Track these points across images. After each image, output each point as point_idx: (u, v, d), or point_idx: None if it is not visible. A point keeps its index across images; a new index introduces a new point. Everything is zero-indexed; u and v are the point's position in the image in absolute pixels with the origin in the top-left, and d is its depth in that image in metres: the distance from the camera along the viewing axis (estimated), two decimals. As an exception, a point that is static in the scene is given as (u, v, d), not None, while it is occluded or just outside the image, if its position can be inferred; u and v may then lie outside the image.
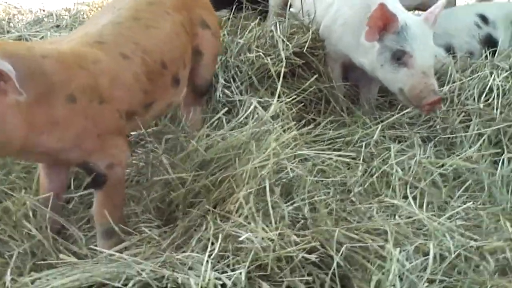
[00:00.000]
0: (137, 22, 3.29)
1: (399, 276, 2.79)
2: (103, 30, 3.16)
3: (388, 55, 3.77)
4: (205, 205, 3.17)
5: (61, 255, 2.92)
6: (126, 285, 2.65)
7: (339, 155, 3.51)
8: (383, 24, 3.76)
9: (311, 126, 3.88)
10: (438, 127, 4.10)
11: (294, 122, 3.72)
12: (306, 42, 4.31)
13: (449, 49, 4.66)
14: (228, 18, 4.78)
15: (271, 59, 4.17)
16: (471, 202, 3.39)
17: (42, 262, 2.94)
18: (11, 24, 5.32)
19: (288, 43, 4.25)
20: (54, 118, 2.81)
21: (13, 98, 2.66)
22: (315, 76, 4.20)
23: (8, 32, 5.09)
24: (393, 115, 4.06)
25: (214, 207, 3.15)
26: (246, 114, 3.73)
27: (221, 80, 4.20)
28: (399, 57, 3.76)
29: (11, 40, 4.82)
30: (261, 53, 4.20)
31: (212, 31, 3.69)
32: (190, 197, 3.27)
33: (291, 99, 3.89)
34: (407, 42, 3.74)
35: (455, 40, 4.68)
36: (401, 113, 4.06)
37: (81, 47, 3.02)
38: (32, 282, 2.73)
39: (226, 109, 3.82)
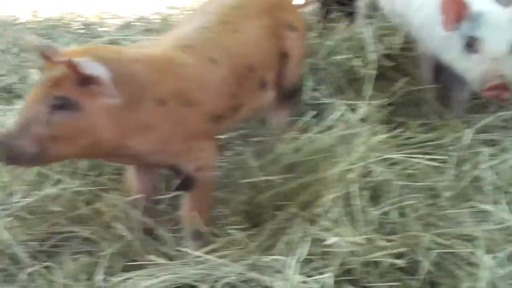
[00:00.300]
0: (225, 26, 3.31)
1: (491, 284, 2.75)
2: (192, 34, 3.20)
3: (462, 43, 3.71)
4: (292, 208, 3.16)
5: (150, 256, 2.96)
6: (213, 287, 2.67)
7: (429, 159, 3.46)
8: (455, 11, 3.70)
9: (401, 129, 3.83)
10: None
11: (383, 125, 3.67)
12: (396, 43, 4.26)
13: None
14: (317, 21, 4.76)
15: (360, 61, 4.14)
16: None
17: (132, 263, 2.99)
18: (103, 29, 5.41)
19: (378, 45, 4.21)
20: (144, 121, 2.85)
21: (105, 101, 2.72)
22: (405, 79, 4.14)
23: (99, 36, 5.18)
24: (485, 118, 3.97)
25: (302, 210, 3.15)
26: (334, 117, 3.69)
27: (310, 83, 4.18)
28: (470, 44, 3.67)
29: (103, 44, 4.92)
30: (350, 56, 4.17)
31: (298, 33, 3.67)
32: (277, 199, 3.26)
33: (380, 101, 3.85)
34: (479, 28, 3.65)
35: None
36: (494, 116, 3.97)
37: (171, 51, 3.06)
38: (122, 282, 2.77)
39: (314, 112, 3.80)
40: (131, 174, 3.26)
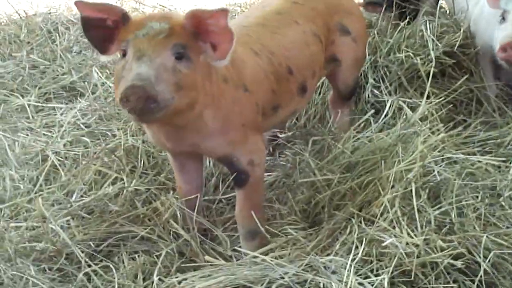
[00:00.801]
0: (263, 27, 3.36)
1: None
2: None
3: (500, 17, 3.86)
4: (350, 208, 3.16)
5: (206, 257, 2.98)
6: (268, 288, 2.67)
7: (489, 158, 3.42)
8: None
9: (461, 127, 3.80)
10: None
11: (443, 124, 3.63)
12: (457, 40, 4.21)
13: None
14: (378, 18, 4.73)
15: (420, 59, 4.09)
16: None
17: (188, 264, 3.01)
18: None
19: (438, 42, 4.16)
20: (214, 93, 2.91)
21: (203, 60, 2.83)
22: (465, 76, 4.09)
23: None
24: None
25: (360, 210, 3.14)
26: (393, 115, 3.67)
27: (371, 80, 4.15)
28: (504, 17, 3.83)
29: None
30: (410, 53, 4.13)
31: (352, 35, 3.67)
32: (336, 199, 3.26)
33: (440, 99, 3.81)
34: (510, 3, 3.82)
35: None
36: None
37: None
38: (179, 282, 2.79)
39: (373, 110, 3.78)
40: (177, 176, 3.29)
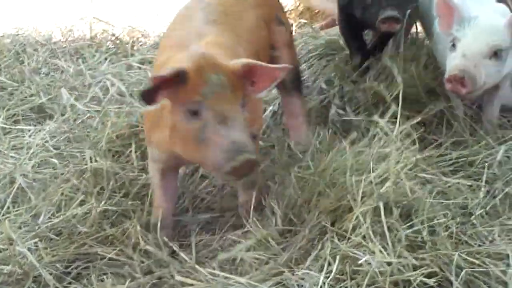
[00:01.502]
0: (231, 16, 3.44)
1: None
2: (206, 28, 3.26)
3: (450, 43, 3.77)
4: (323, 222, 3.16)
5: (177, 277, 2.96)
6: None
7: (461, 177, 3.43)
8: (447, 14, 3.77)
9: (433, 147, 3.80)
10: None
11: (416, 143, 3.62)
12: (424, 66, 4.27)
13: None
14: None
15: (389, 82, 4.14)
16: None
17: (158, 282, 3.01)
18: (135, 47, 5.43)
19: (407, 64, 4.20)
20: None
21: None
22: (436, 98, 4.10)
23: (132, 55, 5.20)
24: (517, 135, 3.93)
25: (332, 225, 3.14)
26: (367, 135, 3.65)
27: (337, 102, 4.18)
28: (454, 44, 3.73)
29: (135, 63, 4.94)
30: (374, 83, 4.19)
31: (285, 27, 3.89)
32: (309, 213, 3.26)
33: (413, 121, 3.79)
34: (462, 30, 3.70)
35: None
36: (526, 132, 3.93)
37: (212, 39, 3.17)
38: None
39: (355, 133, 3.75)
40: (160, 195, 3.28)
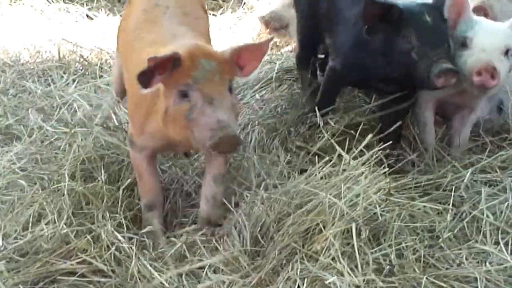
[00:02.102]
0: (188, 16, 3.67)
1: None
2: (178, 28, 3.49)
3: (458, 44, 3.84)
4: (293, 243, 3.16)
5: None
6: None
7: (428, 200, 3.45)
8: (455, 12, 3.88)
9: (401, 170, 3.81)
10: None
11: (384, 167, 3.63)
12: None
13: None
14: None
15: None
16: None
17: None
18: (103, 69, 5.42)
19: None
20: None
21: None
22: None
23: (100, 77, 5.19)
24: (484, 159, 3.95)
25: (302, 246, 3.14)
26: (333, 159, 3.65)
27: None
28: (465, 43, 3.82)
29: (103, 85, 4.94)
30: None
31: (207, 15, 4.10)
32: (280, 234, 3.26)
33: (380, 146, 3.79)
34: (472, 30, 3.83)
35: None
36: (493, 157, 3.95)
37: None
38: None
39: (327, 157, 3.74)
40: (149, 178, 3.53)
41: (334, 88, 4.24)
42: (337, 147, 3.60)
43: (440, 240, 3.28)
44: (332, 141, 3.77)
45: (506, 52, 3.77)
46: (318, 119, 4.01)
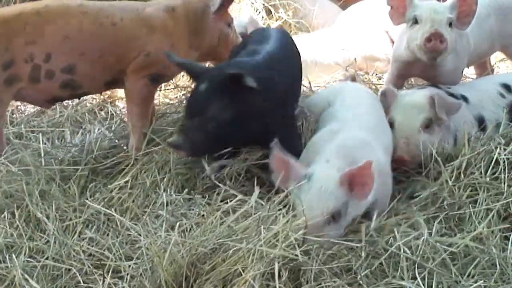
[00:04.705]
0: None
1: None
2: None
3: (408, 24, 4.67)
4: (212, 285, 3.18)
5: None
6: None
7: (343, 240, 3.48)
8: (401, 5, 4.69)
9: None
10: (445, 202, 4.00)
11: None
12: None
13: (481, 120, 4.64)
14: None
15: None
16: (482, 281, 3.35)
17: None
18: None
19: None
20: None
21: None
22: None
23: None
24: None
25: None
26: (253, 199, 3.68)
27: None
28: (415, 21, 4.61)
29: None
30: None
31: None
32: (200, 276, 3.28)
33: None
34: (419, 9, 4.61)
35: (485, 111, 4.69)
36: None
37: None
38: None
39: (240, 195, 3.77)
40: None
41: None
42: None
43: (358, 277, 3.29)
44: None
45: (450, 24, 4.55)
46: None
